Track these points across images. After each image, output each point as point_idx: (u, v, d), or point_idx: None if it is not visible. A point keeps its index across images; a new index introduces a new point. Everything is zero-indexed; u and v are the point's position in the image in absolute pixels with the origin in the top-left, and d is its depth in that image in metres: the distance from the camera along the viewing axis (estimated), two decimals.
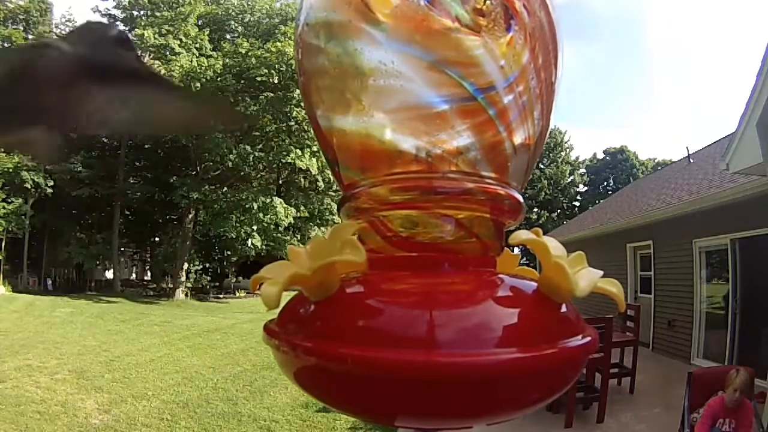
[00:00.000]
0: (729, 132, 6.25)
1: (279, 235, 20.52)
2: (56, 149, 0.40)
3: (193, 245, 22.91)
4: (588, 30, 59.00)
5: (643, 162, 35.40)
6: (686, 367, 5.49)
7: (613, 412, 4.52)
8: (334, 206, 19.39)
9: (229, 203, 19.33)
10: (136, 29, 20.00)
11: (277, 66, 19.23)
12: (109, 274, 23.33)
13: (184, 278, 21.96)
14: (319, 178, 21.02)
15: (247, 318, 13.42)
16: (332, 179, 18.78)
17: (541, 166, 33.46)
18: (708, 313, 6.88)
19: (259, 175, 21.67)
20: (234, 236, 19.46)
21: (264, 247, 19.99)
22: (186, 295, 21.52)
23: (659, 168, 24.03)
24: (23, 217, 18.75)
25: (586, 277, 0.43)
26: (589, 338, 0.44)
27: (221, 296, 24.10)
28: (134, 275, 28.67)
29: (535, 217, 32.70)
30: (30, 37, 20.98)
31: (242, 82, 19.81)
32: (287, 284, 0.41)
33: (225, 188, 20.53)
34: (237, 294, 24.42)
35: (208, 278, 27.59)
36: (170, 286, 22.35)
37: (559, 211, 34.79)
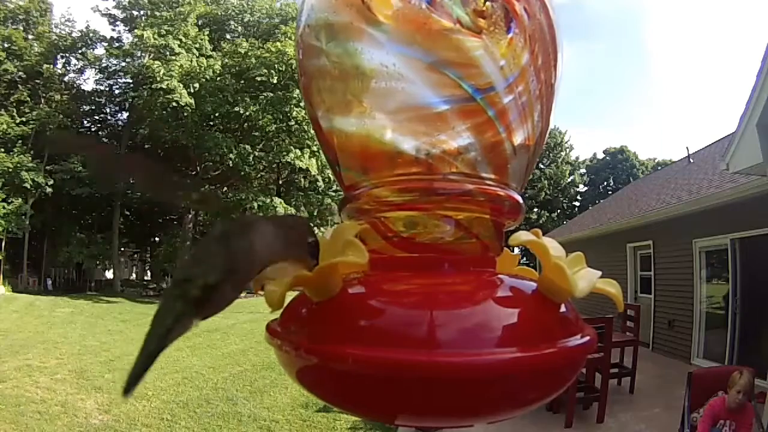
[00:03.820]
0: (729, 132, 6.25)
1: None
2: None
3: (193, 245, 22.88)
4: (588, 30, 58.90)
5: (643, 162, 35.35)
6: (686, 367, 5.49)
7: (613, 412, 4.51)
8: (335, 206, 19.39)
9: (229, 203, 19.30)
10: (136, 29, 20.01)
11: (276, 66, 19.22)
12: (109, 274, 23.31)
13: None
14: (319, 178, 21.02)
15: (247, 318, 13.40)
16: (332, 179, 18.79)
17: (541, 166, 33.41)
18: (708, 313, 6.87)
19: (259, 175, 21.66)
20: None
21: None
22: None
23: (659, 168, 24.00)
24: (23, 217, 18.73)
25: (585, 278, 0.44)
26: (587, 338, 0.45)
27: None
28: (134, 275, 28.63)
29: (535, 217, 32.67)
30: (30, 37, 21.01)
31: (242, 82, 19.81)
32: (291, 285, 0.42)
33: (225, 188, 20.53)
34: None
35: None
36: None
37: (559, 211, 34.74)
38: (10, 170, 17.76)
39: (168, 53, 19.42)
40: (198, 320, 0.38)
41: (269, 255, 0.41)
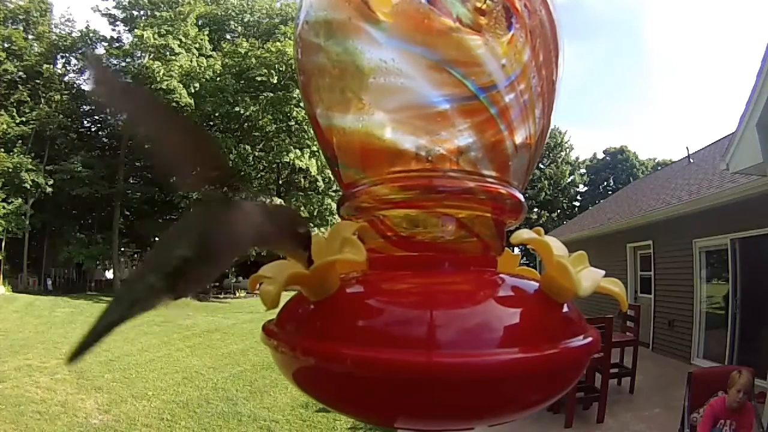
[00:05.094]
0: (729, 132, 6.25)
1: None
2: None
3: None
4: (588, 30, 58.88)
5: (643, 162, 35.37)
6: (686, 367, 5.48)
7: (613, 412, 4.51)
8: (335, 206, 19.38)
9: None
10: (136, 29, 20.01)
11: (276, 66, 19.24)
12: (109, 274, 23.32)
13: None
14: (319, 178, 21.03)
15: (248, 318, 13.40)
16: (332, 179, 18.79)
17: (541, 166, 33.40)
18: (708, 313, 6.86)
19: (259, 175, 21.66)
20: None
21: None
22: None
23: (659, 168, 23.99)
24: (23, 217, 18.74)
25: (589, 277, 0.43)
26: (590, 338, 0.44)
27: (221, 296, 24.06)
28: None
29: (535, 217, 32.67)
30: (30, 37, 21.01)
31: (242, 82, 19.81)
32: (286, 284, 0.41)
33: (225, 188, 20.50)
34: (237, 294, 24.38)
35: None
36: None
37: (559, 211, 34.75)
38: (10, 170, 17.77)
39: (168, 53, 19.43)
40: (171, 298, 0.37)
41: (252, 237, 0.40)
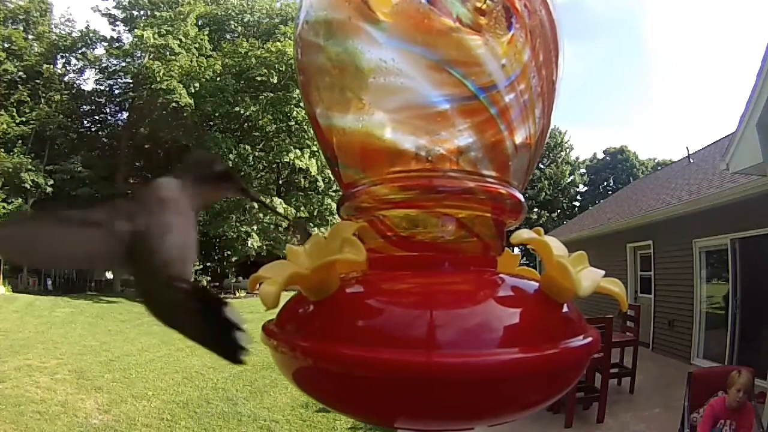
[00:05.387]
0: (729, 132, 6.25)
1: (279, 234, 20.52)
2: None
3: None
4: (588, 30, 58.87)
5: (643, 162, 35.37)
6: (686, 367, 5.48)
7: (613, 412, 4.51)
8: (335, 206, 19.35)
9: (229, 203, 19.32)
10: (136, 29, 20.01)
11: (276, 66, 19.24)
12: (109, 274, 23.31)
13: None
14: (319, 178, 21.03)
15: (247, 318, 13.31)
16: (332, 179, 18.79)
17: (541, 166, 33.39)
18: (708, 313, 6.86)
19: (259, 175, 21.66)
20: (234, 236, 19.46)
21: (264, 246, 20.00)
22: None
23: (659, 168, 23.97)
24: None
25: (589, 277, 0.43)
26: (590, 338, 0.44)
27: (221, 296, 24.08)
28: None
29: (535, 217, 32.66)
30: (30, 37, 21.02)
31: (242, 82, 19.81)
32: (286, 284, 0.41)
33: None
34: (237, 294, 24.38)
35: (208, 278, 27.54)
36: None
37: (559, 211, 34.76)
38: (10, 170, 17.77)
39: (168, 53, 19.42)
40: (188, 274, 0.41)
41: (192, 196, 0.43)
